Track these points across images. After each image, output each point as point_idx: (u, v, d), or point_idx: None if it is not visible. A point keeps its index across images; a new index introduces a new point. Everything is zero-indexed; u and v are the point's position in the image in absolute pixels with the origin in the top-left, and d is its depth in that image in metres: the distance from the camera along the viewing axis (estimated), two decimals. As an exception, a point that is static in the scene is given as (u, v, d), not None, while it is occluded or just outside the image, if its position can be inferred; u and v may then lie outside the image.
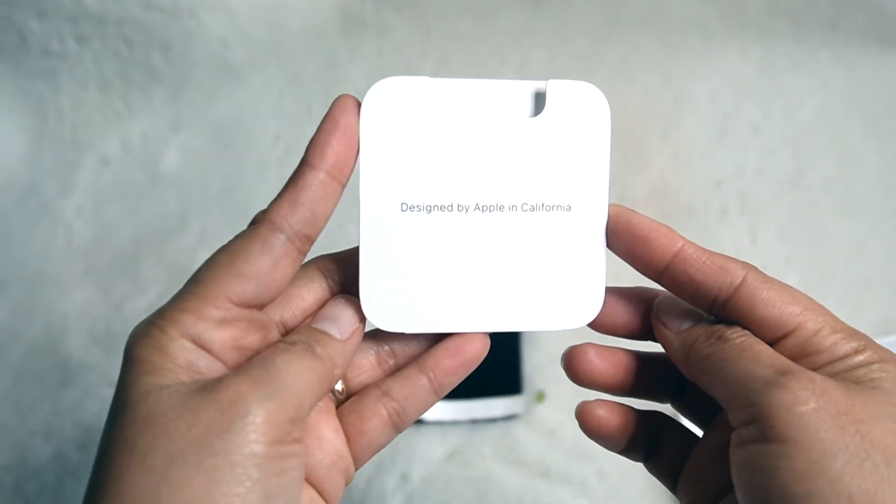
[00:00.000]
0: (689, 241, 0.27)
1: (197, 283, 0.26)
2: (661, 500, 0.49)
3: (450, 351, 0.28)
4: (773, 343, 0.26)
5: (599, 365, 0.29)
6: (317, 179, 0.26)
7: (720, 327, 0.27)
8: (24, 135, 0.68)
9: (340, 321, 0.27)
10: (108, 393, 0.55)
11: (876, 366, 0.25)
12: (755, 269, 0.27)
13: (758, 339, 0.26)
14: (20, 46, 0.67)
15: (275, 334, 0.27)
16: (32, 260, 0.63)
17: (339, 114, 0.27)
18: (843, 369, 0.25)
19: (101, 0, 0.66)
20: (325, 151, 0.26)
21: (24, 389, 0.56)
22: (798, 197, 0.59)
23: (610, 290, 0.29)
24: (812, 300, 0.27)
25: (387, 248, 0.27)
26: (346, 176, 0.27)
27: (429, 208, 0.27)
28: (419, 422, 0.52)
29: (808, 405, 0.23)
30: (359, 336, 0.28)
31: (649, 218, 0.28)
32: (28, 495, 0.52)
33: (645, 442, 0.30)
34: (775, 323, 0.26)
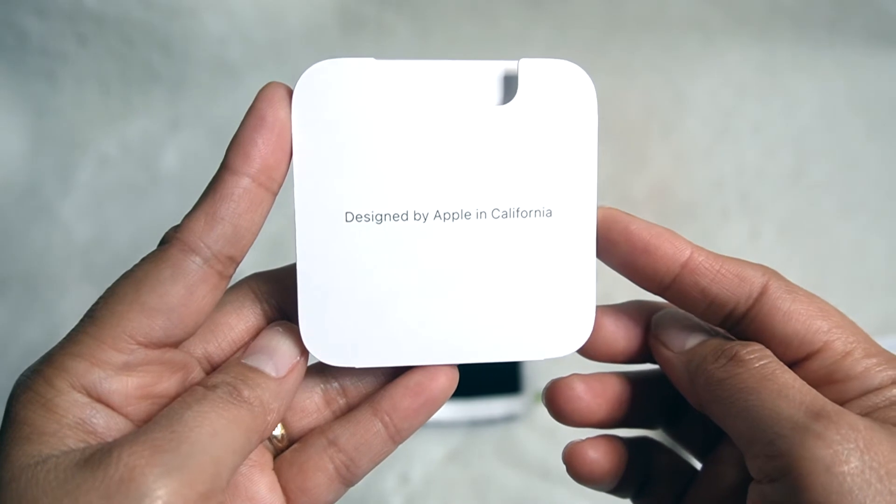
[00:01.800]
0: (698, 247, 0.23)
1: (92, 320, 0.20)
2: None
3: (409, 389, 0.24)
4: (794, 364, 0.22)
5: (590, 402, 0.25)
6: (240, 187, 0.21)
7: (734, 345, 0.22)
8: (23, 135, 0.68)
9: (276, 354, 0.22)
10: (108, 393, 0.55)
11: None
12: (777, 275, 0.23)
13: (781, 364, 0.22)
14: (20, 46, 0.67)
15: (197, 374, 0.23)
16: (32, 260, 0.63)
17: (265, 106, 0.22)
18: (881, 405, 0.21)
19: (100, 0, 0.66)
20: (249, 152, 0.21)
21: (23, 389, 0.56)
22: (798, 197, 0.59)
23: (602, 310, 0.25)
24: (843, 315, 0.23)
25: (330, 266, 0.23)
26: (276, 181, 0.22)
27: (379, 218, 0.22)
28: (419, 422, 0.52)
29: (851, 463, 0.18)
30: (299, 373, 0.23)
31: (648, 222, 0.24)
32: (28, 495, 0.52)
33: (636, 478, 0.26)
34: (799, 340, 0.22)
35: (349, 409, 0.25)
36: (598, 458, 0.26)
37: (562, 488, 0.49)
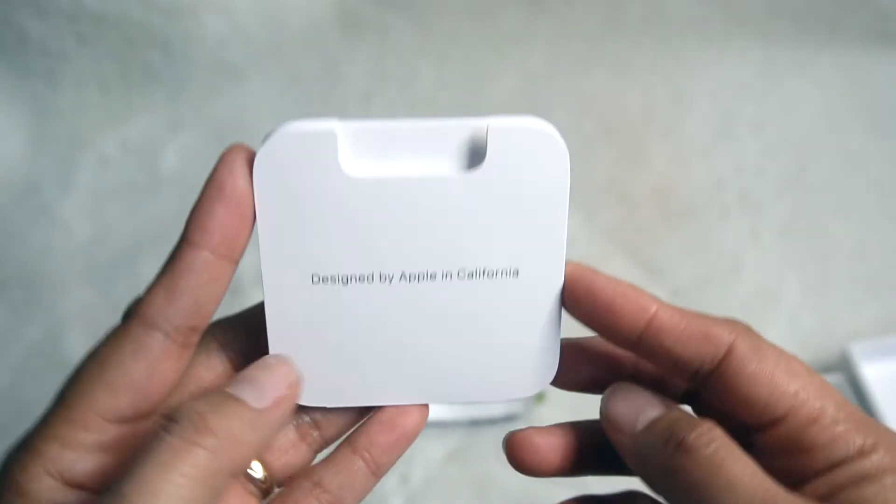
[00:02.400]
0: (664, 304, 0.22)
1: (62, 401, 0.21)
2: (660, 499, 0.49)
3: (384, 425, 0.24)
4: (760, 430, 0.21)
5: (549, 453, 0.25)
6: (199, 261, 0.21)
7: (682, 429, 0.21)
8: (23, 134, 0.68)
9: (258, 383, 0.21)
10: (108, 393, 0.55)
11: (890, 480, 0.19)
12: (746, 332, 0.22)
13: (733, 448, 0.20)
14: (20, 46, 0.67)
15: None
16: (32, 260, 0.63)
17: (225, 174, 0.21)
18: (844, 483, 0.20)
19: (100, 0, 0.66)
20: (207, 225, 0.21)
21: (24, 389, 0.56)
22: (798, 196, 0.59)
23: (568, 345, 0.25)
24: (813, 376, 0.21)
25: (299, 326, 0.23)
26: (237, 251, 0.22)
27: (345, 279, 0.22)
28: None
29: None
30: (287, 406, 0.21)
31: (614, 279, 0.23)
32: (28, 495, 0.52)
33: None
34: (763, 405, 0.21)
35: (325, 442, 0.25)
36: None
37: (562, 488, 0.49)
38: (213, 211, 0.21)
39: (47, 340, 0.58)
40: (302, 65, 0.71)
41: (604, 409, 0.24)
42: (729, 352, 0.21)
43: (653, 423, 0.22)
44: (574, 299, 0.23)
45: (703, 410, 0.25)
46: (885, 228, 0.57)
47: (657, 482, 0.22)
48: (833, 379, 0.48)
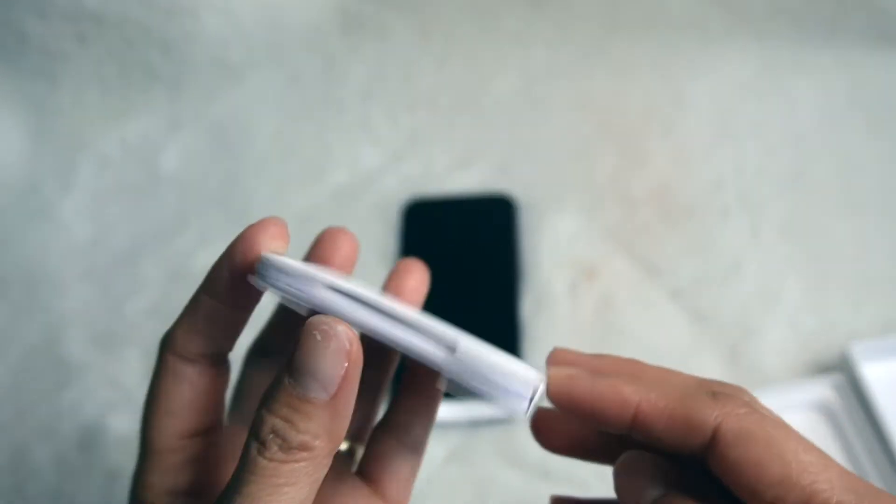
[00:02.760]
0: (646, 394, 0.22)
1: (144, 437, 0.25)
2: None
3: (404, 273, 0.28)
4: None
5: (573, 434, 0.26)
6: (216, 310, 0.24)
7: None
8: (23, 135, 0.68)
9: (317, 371, 0.20)
10: (108, 393, 0.55)
11: None
12: (733, 412, 0.21)
13: None
14: (20, 46, 0.67)
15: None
16: (32, 260, 0.63)
17: (244, 246, 0.24)
18: None
19: (100, 0, 0.66)
20: (216, 277, 0.25)
21: (23, 389, 0.56)
22: (798, 197, 0.59)
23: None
24: (799, 450, 0.20)
25: None
26: (253, 301, 0.25)
27: None
28: (419, 422, 0.52)
29: None
30: (354, 373, 0.21)
31: (593, 379, 0.23)
32: (28, 495, 0.52)
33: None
34: (749, 492, 0.20)
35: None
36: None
37: (562, 488, 0.49)
38: (226, 270, 0.24)
39: (47, 340, 0.58)
40: (302, 65, 0.71)
41: (614, 477, 0.23)
42: (714, 438, 0.21)
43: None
44: (560, 407, 0.23)
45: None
46: (885, 228, 0.57)
47: None
48: (833, 379, 0.48)
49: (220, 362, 0.25)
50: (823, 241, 0.57)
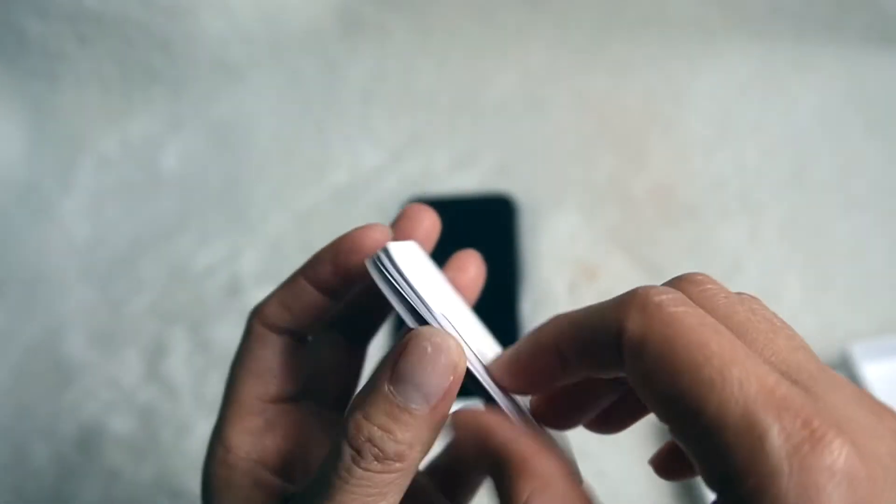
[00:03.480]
0: (563, 324, 0.22)
1: (228, 397, 0.26)
2: (661, 500, 0.49)
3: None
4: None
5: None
6: (312, 292, 0.26)
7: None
8: (23, 135, 0.68)
9: (422, 383, 0.20)
10: (108, 393, 0.55)
11: None
12: (634, 311, 0.19)
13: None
14: (20, 46, 0.67)
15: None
16: (32, 260, 0.63)
17: (355, 240, 0.25)
18: None
19: (100, 0, 0.66)
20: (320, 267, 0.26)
21: (24, 389, 0.56)
22: (798, 197, 0.59)
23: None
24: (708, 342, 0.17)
25: None
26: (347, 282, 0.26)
27: None
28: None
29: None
30: (455, 388, 0.21)
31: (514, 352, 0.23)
32: (28, 495, 0.52)
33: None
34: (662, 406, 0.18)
35: None
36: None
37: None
38: (329, 263, 0.26)
39: (47, 340, 0.58)
40: (302, 65, 0.71)
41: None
42: (621, 347, 0.19)
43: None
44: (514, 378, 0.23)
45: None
46: (885, 228, 0.57)
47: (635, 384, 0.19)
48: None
49: (301, 342, 0.26)
50: (823, 241, 0.57)
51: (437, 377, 0.20)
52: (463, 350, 0.21)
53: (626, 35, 0.69)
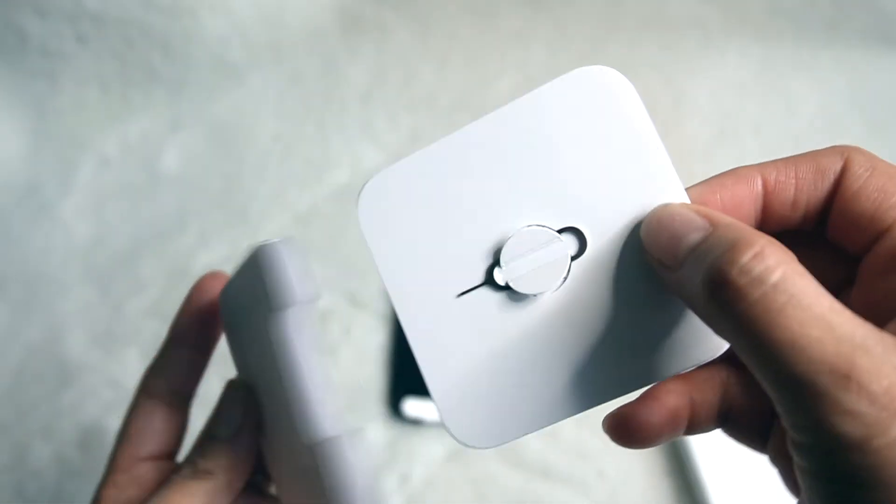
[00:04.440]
0: (765, 168, 0.20)
1: (111, 456, 0.30)
2: (661, 500, 0.49)
3: None
4: (865, 254, 0.19)
5: (654, 420, 0.21)
6: (180, 354, 0.31)
7: (724, 263, 0.16)
8: (23, 135, 0.68)
9: (224, 418, 0.29)
10: (108, 393, 0.55)
11: None
12: (858, 152, 0.20)
13: (793, 281, 0.15)
14: (20, 46, 0.67)
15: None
16: (32, 260, 0.63)
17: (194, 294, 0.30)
18: None
19: (100, 0, 0.66)
20: (182, 327, 0.31)
21: (24, 389, 0.56)
22: (798, 197, 0.59)
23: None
24: None
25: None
26: (209, 347, 0.31)
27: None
28: (419, 422, 0.52)
29: (891, 434, 0.14)
30: (248, 431, 0.29)
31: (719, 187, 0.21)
32: (28, 495, 0.52)
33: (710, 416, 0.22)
34: (868, 220, 0.18)
35: None
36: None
37: (562, 488, 0.49)
38: (185, 315, 0.30)
39: (47, 340, 0.58)
40: (302, 65, 0.71)
41: (643, 241, 0.20)
42: (842, 173, 0.19)
43: (693, 252, 0.18)
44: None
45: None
46: (885, 228, 0.57)
47: (715, 330, 0.18)
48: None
49: (181, 402, 0.30)
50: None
51: (233, 412, 0.28)
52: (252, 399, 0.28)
53: (626, 36, 0.69)
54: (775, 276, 0.16)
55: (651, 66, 0.68)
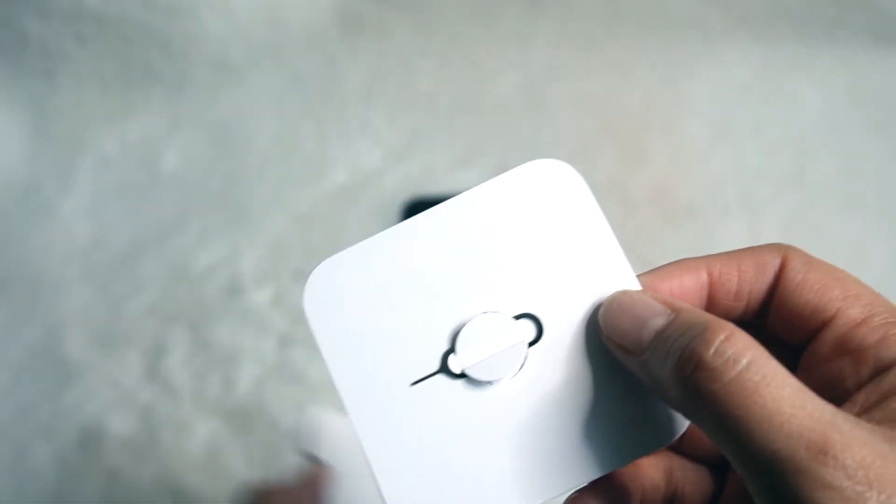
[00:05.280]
0: (712, 260, 0.21)
1: None
2: None
3: None
4: (809, 342, 0.20)
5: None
6: None
7: (696, 343, 0.17)
8: (23, 135, 0.68)
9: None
10: (108, 393, 0.55)
11: None
12: (794, 250, 0.21)
13: (765, 362, 0.16)
14: (20, 46, 0.67)
15: None
16: (32, 260, 0.63)
17: None
18: (888, 391, 0.17)
19: (100, 0, 0.66)
20: None
21: (24, 389, 0.56)
22: (798, 197, 0.59)
23: None
24: (863, 284, 0.20)
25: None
26: None
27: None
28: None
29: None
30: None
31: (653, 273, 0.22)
32: (28, 495, 0.52)
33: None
34: (811, 312, 0.19)
35: None
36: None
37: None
38: None
39: (47, 340, 0.58)
40: (302, 65, 0.71)
41: (602, 327, 0.20)
42: (781, 268, 0.20)
43: (659, 336, 0.18)
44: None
45: None
46: (885, 228, 0.57)
47: (679, 408, 0.18)
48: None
49: None
50: (823, 242, 0.57)
51: None
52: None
53: (626, 35, 0.69)
54: (747, 357, 0.16)
55: (651, 66, 0.68)
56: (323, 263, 0.22)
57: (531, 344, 0.21)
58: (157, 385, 0.54)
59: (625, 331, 0.19)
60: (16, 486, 0.52)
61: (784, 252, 0.21)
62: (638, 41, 0.69)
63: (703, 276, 0.21)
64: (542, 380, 0.21)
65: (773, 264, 0.21)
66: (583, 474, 0.21)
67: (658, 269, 0.22)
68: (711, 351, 0.16)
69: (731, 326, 0.17)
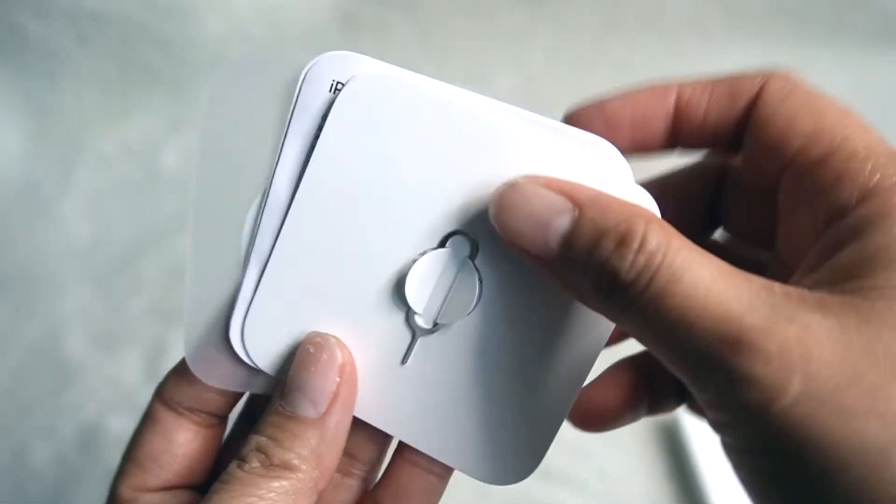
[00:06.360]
0: (685, 84, 0.20)
1: (113, 484, 0.23)
2: (661, 500, 0.49)
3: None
4: (780, 174, 0.18)
5: (608, 404, 0.22)
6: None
7: (613, 257, 0.15)
8: (23, 134, 0.68)
9: (307, 388, 0.19)
10: (109, 393, 0.55)
11: None
12: (777, 77, 0.19)
13: (680, 255, 0.15)
14: (20, 46, 0.67)
15: None
16: (32, 260, 0.63)
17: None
18: (853, 229, 0.15)
19: (100, 0, 0.66)
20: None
21: (24, 389, 0.56)
22: (798, 197, 0.59)
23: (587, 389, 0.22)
24: (839, 112, 0.18)
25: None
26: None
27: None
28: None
29: (791, 395, 0.13)
30: (347, 392, 0.19)
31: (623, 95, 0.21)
32: (28, 495, 0.52)
33: (644, 398, 0.23)
34: (776, 145, 0.18)
35: (369, 468, 0.23)
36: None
37: (562, 488, 0.49)
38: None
39: (47, 340, 0.58)
40: (302, 65, 0.71)
41: (498, 230, 0.18)
42: (755, 98, 0.19)
43: (568, 245, 0.16)
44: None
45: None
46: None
47: (608, 318, 0.17)
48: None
49: (214, 423, 0.23)
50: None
51: (320, 379, 0.19)
52: (347, 349, 0.20)
53: (626, 35, 0.69)
54: (657, 260, 0.15)
55: (651, 67, 0.68)
56: (248, 318, 0.21)
57: (471, 258, 0.20)
58: (156, 385, 0.54)
59: (525, 233, 0.17)
60: (16, 486, 0.52)
61: (767, 78, 0.19)
62: (638, 41, 0.69)
63: (670, 103, 0.20)
64: (489, 305, 0.20)
65: (748, 92, 0.19)
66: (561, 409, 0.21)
67: (625, 92, 0.21)
68: (627, 265, 0.15)
69: (642, 224, 0.15)
